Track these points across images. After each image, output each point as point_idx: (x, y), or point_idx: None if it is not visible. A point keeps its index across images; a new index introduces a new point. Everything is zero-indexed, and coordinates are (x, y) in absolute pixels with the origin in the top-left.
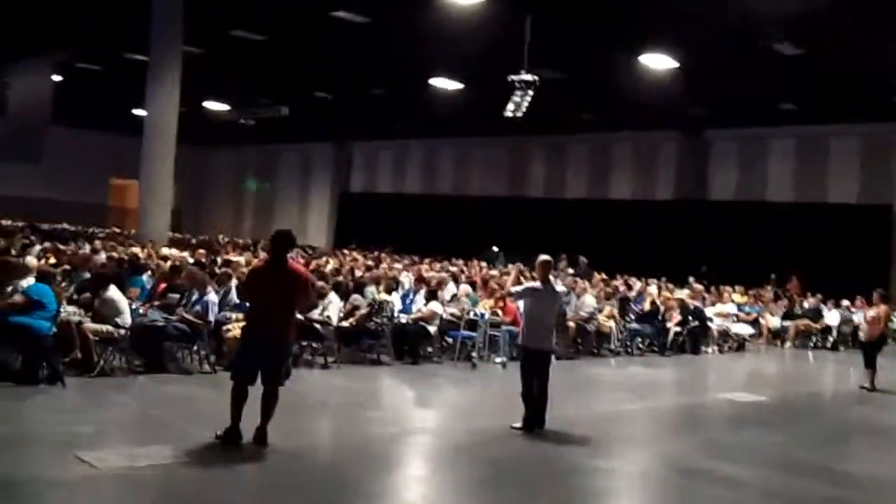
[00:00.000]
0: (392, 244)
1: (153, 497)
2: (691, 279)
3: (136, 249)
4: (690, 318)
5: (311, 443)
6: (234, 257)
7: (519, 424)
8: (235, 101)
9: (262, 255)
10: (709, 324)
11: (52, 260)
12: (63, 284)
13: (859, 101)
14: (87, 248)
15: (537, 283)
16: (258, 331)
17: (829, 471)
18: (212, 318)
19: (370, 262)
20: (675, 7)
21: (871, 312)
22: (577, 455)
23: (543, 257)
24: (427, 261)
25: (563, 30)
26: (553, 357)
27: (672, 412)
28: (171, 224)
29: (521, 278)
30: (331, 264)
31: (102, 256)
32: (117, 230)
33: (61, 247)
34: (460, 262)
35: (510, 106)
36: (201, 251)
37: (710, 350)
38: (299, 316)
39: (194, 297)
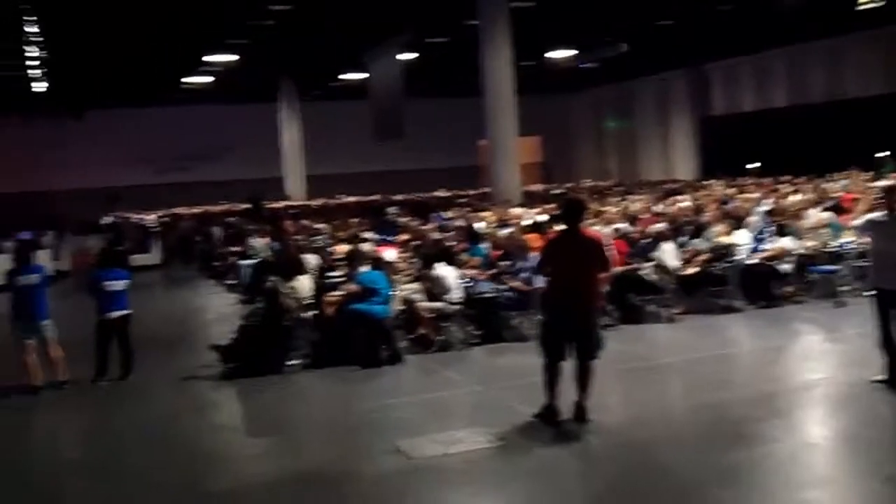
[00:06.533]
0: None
1: (458, 490)
2: None
3: (488, 213)
4: None
5: (636, 415)
6: (606, 207)
7: (881, 377)
8: (578, 45)
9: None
10: None
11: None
12: (413, 261)
13: None
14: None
15: (880, 214)
16: (561, 304)
17: None
18: (537, 283)
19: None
20: None
21: None
22: None
23: (890, 183)
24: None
25: None
26: None
27: None
28: (542, 177)
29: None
30: (686, 202)
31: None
32: (487, 189)
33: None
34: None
35: None
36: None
37: None
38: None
39: (519, 264)
